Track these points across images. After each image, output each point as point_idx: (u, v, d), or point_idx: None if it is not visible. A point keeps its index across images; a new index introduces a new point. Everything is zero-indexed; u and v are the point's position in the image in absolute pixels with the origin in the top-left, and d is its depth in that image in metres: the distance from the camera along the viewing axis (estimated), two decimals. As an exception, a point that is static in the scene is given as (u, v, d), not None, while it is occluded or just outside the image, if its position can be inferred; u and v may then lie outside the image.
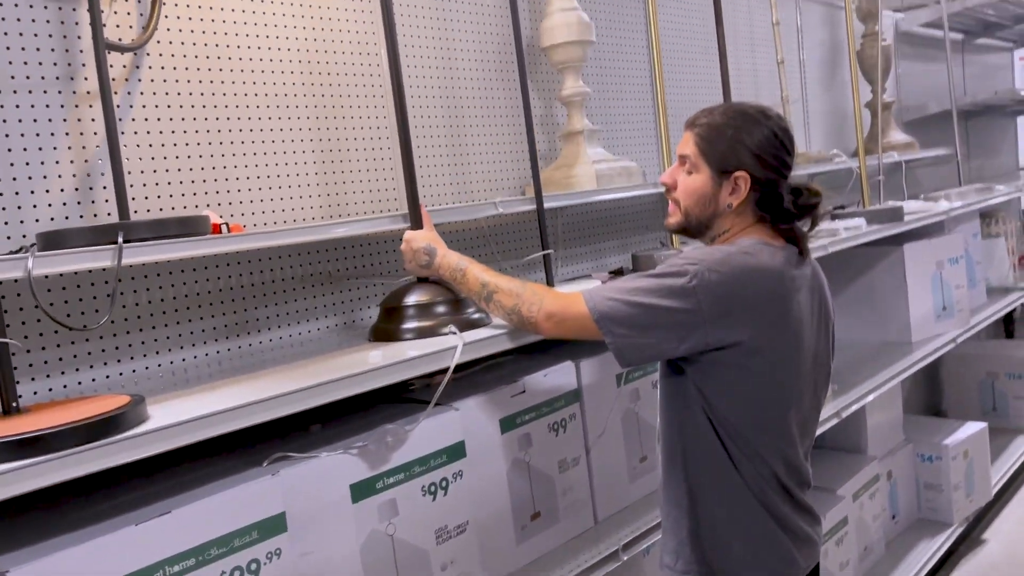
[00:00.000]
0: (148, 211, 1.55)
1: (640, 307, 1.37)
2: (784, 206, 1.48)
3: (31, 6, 1.41)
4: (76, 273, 1.44)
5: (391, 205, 1.97)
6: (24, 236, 1.39)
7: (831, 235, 2.49)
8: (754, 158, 1.44)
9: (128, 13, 1.53)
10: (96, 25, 1.36)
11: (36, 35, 1.41)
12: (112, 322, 1.50)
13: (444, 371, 1.46)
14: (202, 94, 1.63)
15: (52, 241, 1.25)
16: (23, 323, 1.39)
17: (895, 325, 3.03)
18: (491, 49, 2.23)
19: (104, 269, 1.46)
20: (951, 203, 3.16)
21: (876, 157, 3.15)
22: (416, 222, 1.65)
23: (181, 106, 1.60)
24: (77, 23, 1.46)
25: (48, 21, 1.43)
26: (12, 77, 1.39)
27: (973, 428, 3.24)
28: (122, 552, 1.09)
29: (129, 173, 1.51)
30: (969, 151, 4.65)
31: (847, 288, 3.08)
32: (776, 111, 1.52)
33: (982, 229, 3.65)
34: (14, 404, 1.12)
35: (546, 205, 1.98)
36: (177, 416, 1.11)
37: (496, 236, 2.21)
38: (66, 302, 1.44)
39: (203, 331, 1.62)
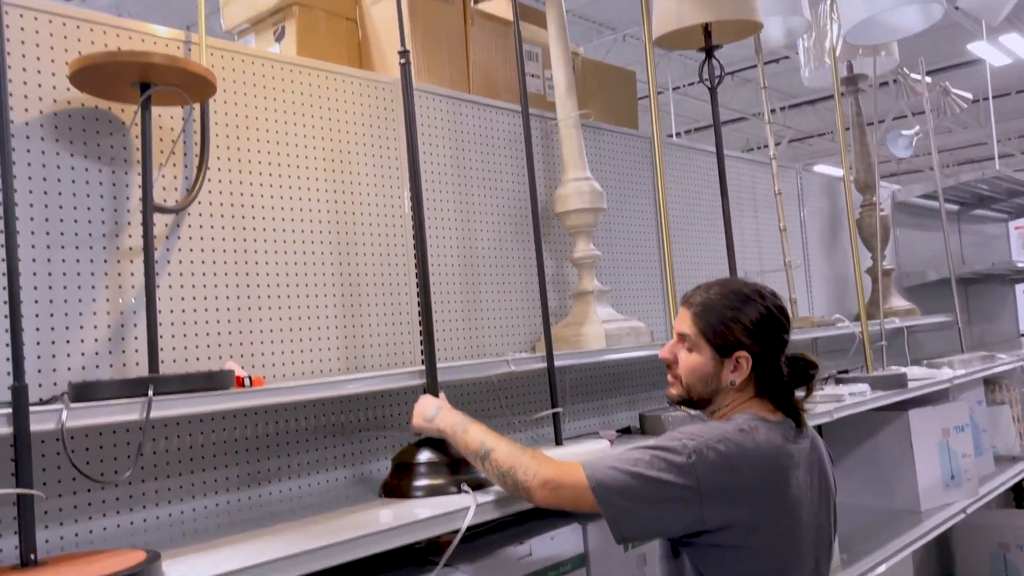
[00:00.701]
0: (175, 361, 1.60)
1: (638, 479, 1.38)
2: (783, 380, 1.54)
3: (87, 169, 1.52)
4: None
5: (407, 358, 2.02)
6: (55, 384, 1.44)
7: (836, 400, 2.52)
8: (753, 337, 1.50)
9: (175, 176, 1.64)
10: (147, 189, 1.46)
11: (88, 195, 1.52)
12: (129, 471, 1.52)
13: (451, 533, 1.46)
14: (234, 251, 1.72)
15: (84, 392, 1.29)
16: (43, 469, 1.41)
17: (903, 493, 3.00)
18: (507, 212, 2.35)
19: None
20: (954, 371, 3.21)
21: (878, 322, 3.23)
22: (432, 379, 1.70)
23: (214, 262, 1.69)
24: (127, 185, 1.57)
25: (101, 183, 1.53)
26: (62, 233, 1.48)
27: (987, 603, 3.15)
28: None
29: (160, 324, 1.57)
30: (970, 317, 4.74)
31: (852, 453, 3.08)
32: (770, 289, 1.59)
33: (986, 396, 3.68)
34: (32, 556, 1.13)
35: (556, 363, 2.03)
36: (193, 574, 1.12)
37: (506, 391, 2.25)
38: (87, 449, 1.47)
39: (215, 481, 1.64)
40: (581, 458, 1.87)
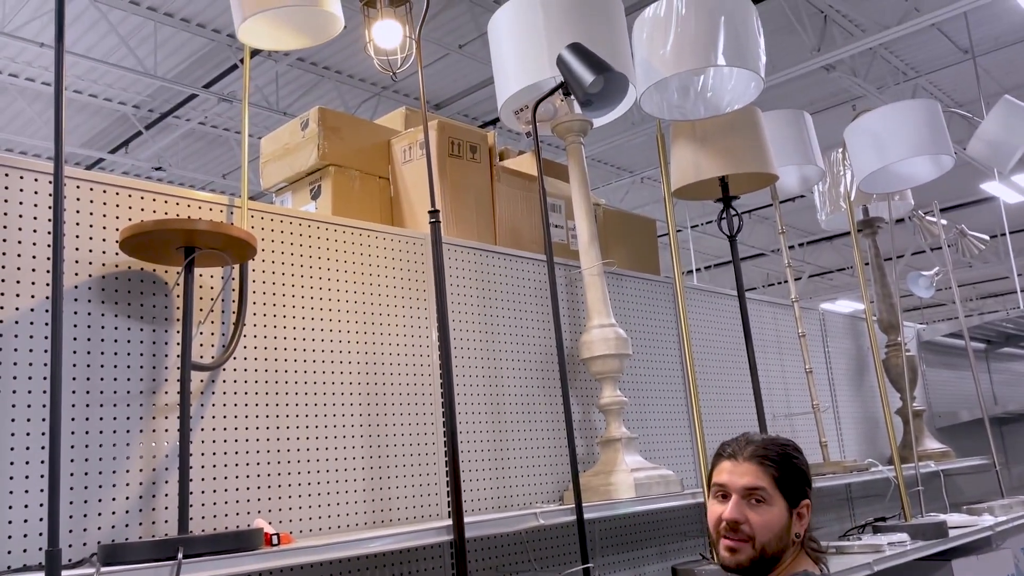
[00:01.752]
0: (203, 517, 1.60)
1: None
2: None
3: (129, 328, 1.57)
4: (127, 582, 1.47)
5: (434, 510, 2.00)
6: (84, 544, 1.44)
7: (875, 551, 2.44)
8: (809, 487, 1.53)
9: (212, 334, 1.69)
10: (186, 346, 1.51)
11: (129, 354, 1.56)
12: (152, 633, 1.49)
13: None
14: (266, 405, 1.75)
15: (113, 555, 1.29)
16: (68, 634, 1.39)
17: (952, 649, 2.84)
18: (534, 359, 2.38)
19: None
20: (996, 517, 3.11)
21: (912, 466, 3.16)
22: (460, 535, 1.68)
23: (247, 416, 1.71)
24: (167, 343, 1.62)
25: (142, 342, 1.58)
26: (101, 392, 1.51)
27: None
28: None
29: (190, 480, 1.58)
30: (1007, 457, 4.62)
31: (896, 606, 2.94)
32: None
33: (1031, 543, 3.53)
34: None
35: (586, 516, 2.00)
36: None
37: (534, 543, 2.21)
38: (112, 612, 1.45)
39: (239, 644, 1.60)
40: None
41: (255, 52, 6.76)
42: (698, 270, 12.18)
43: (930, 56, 8.03)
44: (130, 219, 1.60)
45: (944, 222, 3.87)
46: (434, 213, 1.86)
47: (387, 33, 2.04)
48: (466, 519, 1.75)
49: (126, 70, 6.97)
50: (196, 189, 10.02)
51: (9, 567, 1.33)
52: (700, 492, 2.32)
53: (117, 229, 1.57)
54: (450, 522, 1.70)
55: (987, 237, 3.98)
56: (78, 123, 8.41)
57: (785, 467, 1.51)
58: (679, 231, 10.60)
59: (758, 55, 2.27)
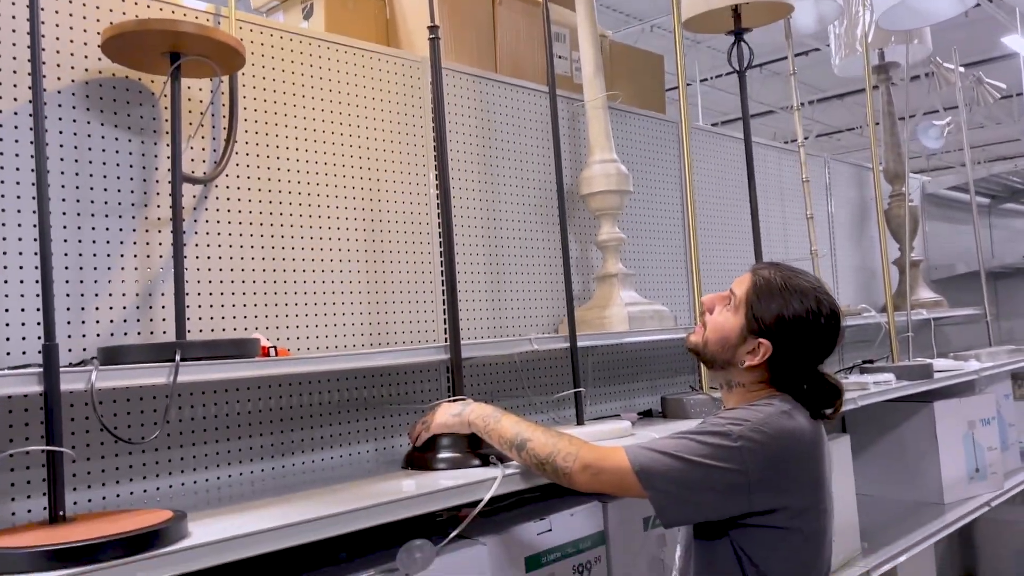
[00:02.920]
0: (201, 331, 1.62)
1: (684, 463, 1.36)
2: (802, 390, 1.50)
3: (116, 139, 1.53)
4: (129, 388, 1.50)
5: (431, 336, 2.03)
6: (84, 349, 1.46)
7: (860, 388, 2.50)
8: (780, 332, 1.45)
9: (203, 148, 1.65)
10: (176, 159, 1.48)
11: (118, 165, 1.53)
12: (155, 436, 1.54)
13: (471, 505, 1.47)
14: (261, 224, 1.73)
15: (112, 356, 1.31)
16: (72, 433, 1.43)
17: (926, 484, 2.97)
18: (533, 193, 2.35)
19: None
20: (982, 363, 3.17)
21: (905, 313, 3.19)
22: (456, 354, 1.71)
23: (241, 234, 1.70)
24: (156, 156, 1.58)
25: (131, 153, 1.55)
26: (92, 202, 1.49)
27: (1011, 598, 3.11)
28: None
29: (187, 294, 1.59)
30: (999, 311, 4.67)
31: (876, 444, 3.05)
32: (837, 305, 1.51)
33: (1014, 391, 3.63)
34: (61, 513, 1.15)
35: (579, 344, 2.03)
36: (217, 534, 1.13)
37: (528, 372, 2.26)
38: (115, 415, 1.49)
39: (240, 451, 1.66)
40: (604, 437, 1.88)
41: None
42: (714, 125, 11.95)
43: None
44: (112, 22, 1.53)
45: (961, 69, 3.74)
46: (433, 29, 1.78)
47: None
48: (463, 342, 1.78)
49: None
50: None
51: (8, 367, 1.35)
52: (692, 328, 2.35)
53: (98, 33, 1.51)
54: (448, 343, 1.73)
55: (1003, 86, 3.86)
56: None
57: (761, 293, 1.47)
58: (688, 84, 10.32)
59: None
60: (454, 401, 1.65)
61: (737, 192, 3.02)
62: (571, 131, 2.50)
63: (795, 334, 1.45)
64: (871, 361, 3.05)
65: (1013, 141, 12.85)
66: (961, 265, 4.19)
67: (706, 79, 10.41)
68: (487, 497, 1.45)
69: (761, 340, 1.46)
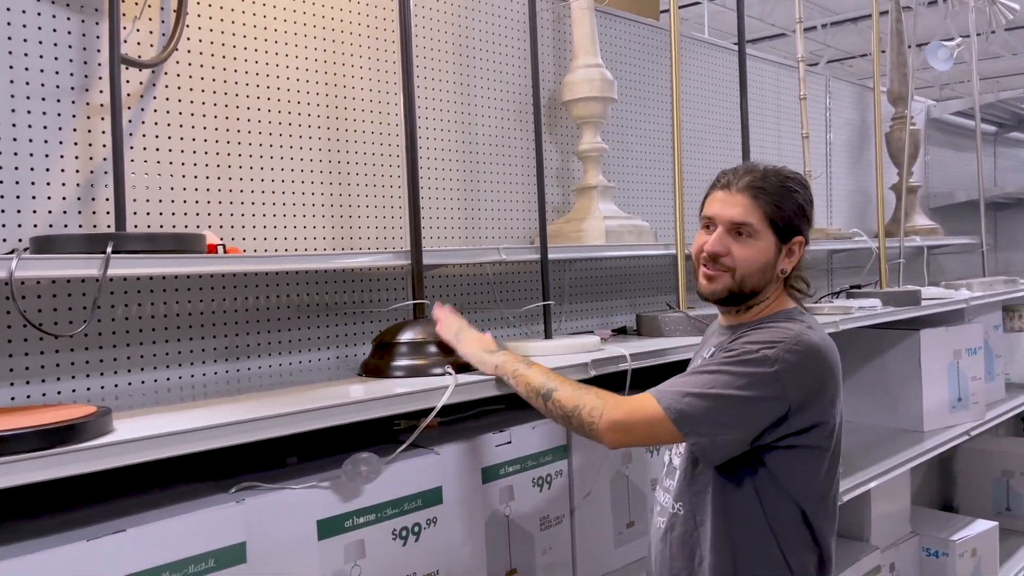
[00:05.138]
0: (149, 227, 1.55)
1: (724, 400, 1.30)
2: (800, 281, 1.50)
3: (54, 16, 1.43)
4: (69, 282, 1.44)
5: (398, 244, 1.96)
6: (20, 240, 1.39)
7: (844, 312, 2.44)
8: (806, 224, 1.46)
9: (151, 32, 1.55)
10: (114, 40, 1.38)
11: (56, 44, 1.43)
12: (99, 334, 1.48)
13: (425, 413, 1.42)
14: (215, 116, 1.64)
15: (44, 246, 1.25)
16: (9, 327, 1.38)
17: (907, 412, 2.94)
18: (512, 99, 2.24)
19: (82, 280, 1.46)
20: (972, 292, 3.10)
21: (898, 240, 3.11)
22: (417, 261, 1.64)
23: (193, 126, 1.61)
24: (98, 36, 1.48)
25: (69, 32, 1.45)
26: (27, 83, 1.40)
27: (984, 526, 3.12)
28: (70, 568, 1.05)
29: (134, 187, 1.51)
30: (996, 242, 4.59)
31: (859, 371, 3.01)
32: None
33: (1004, 323, 3.57)
34: (-21, 404, 1.10)
35: (551, 256, 1.96)
36: (143, 431, 1.08)
37: (500, 284, 2.19)
38: (55, 310, 1.43)
39: (191, 352, 1.60)
40: (570, 351, 1.82)
41: None
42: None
43: None
44: None
45: (975, -15, 3.57)
46: (399, -90, 1.65)
47: None
48: (428, 248, 1.71)
49: None
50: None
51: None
52: (673, 245, 2.27)
53: (32, -102, 1.39)
54: (410, 248, 1.66)
55: (1017, 7, 3.69)
56: None
57: (780, 201, 1.40)
58: (696, 2, 10.00)
59: None
60: (482, 334, 1.58)
61: (730, 108, 2.90)
62: (555, 34, 2.38)
63: (808, 215, 1.46)
64: (859, 286, 2.99)
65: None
66: (961, 193, 4.09)
67: (715, -2, 10.07)
68: (439, 405, 1.40)
69: (795, 240, 1.44)
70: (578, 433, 1.41)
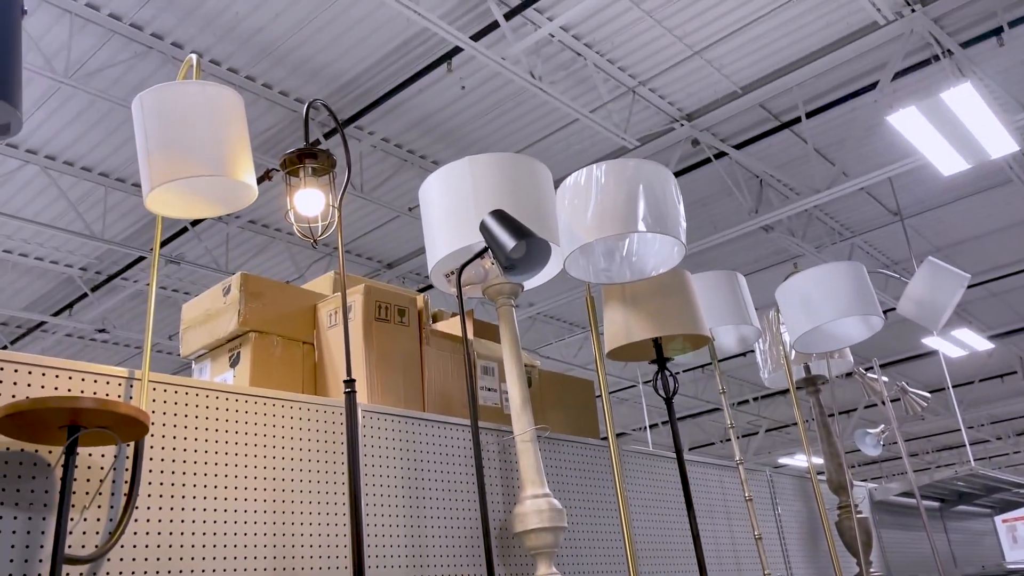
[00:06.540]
0: None
1: None
2: None
3: (1, 517, 1.43)
4: None
5: None
6: None
7: None
8: None
9: (98, 519, 1.55)
10: (60, 538, 1.37)
11: (-2, 545, 1.42)
12: None
13: None
14: (157, 598, 1.59)
15: None
16: None
17: None
18: (464, 532, 2.24)
19: None
20: None
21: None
22: None
23: (132, 612, 1.55)
24: (43, 532, 1.47)
25: (14, 532, 1.44)
26: (-40, 590, 1.36)
27: None
28: None
29: None
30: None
31: None
32: None
33: None
34: None
35: None
36: None
37: None
38: None
39: None
40: None
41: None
42: (653, 426, 12.06)
43: (863, 218, 8.39)
44: (14, 396, 1.50)
45: (885, 379, 3.88)
46: (349, 383, 1.78)
47: (310, 201, 2.04)
48: None
49: (74, 234, 6.94)
50: (138, 350, 9.81)
51: None
52: None
53: (-2, 407, 1.47)
54: None
55: (928, 394, 3.99)
56: (21, 287, 8.29)
57: None
58: (631, 386, 10.59)
59: (678, 221, 2.31)
60: None
61: (681, 514, 2.93)
62: (503, 464, 2.45)
63: None
64: None
65: (955, 431, 13.16)
66: (924, 576, 4.04)
67: (649, 380, 10.71)
68: None
69: None
70: None
